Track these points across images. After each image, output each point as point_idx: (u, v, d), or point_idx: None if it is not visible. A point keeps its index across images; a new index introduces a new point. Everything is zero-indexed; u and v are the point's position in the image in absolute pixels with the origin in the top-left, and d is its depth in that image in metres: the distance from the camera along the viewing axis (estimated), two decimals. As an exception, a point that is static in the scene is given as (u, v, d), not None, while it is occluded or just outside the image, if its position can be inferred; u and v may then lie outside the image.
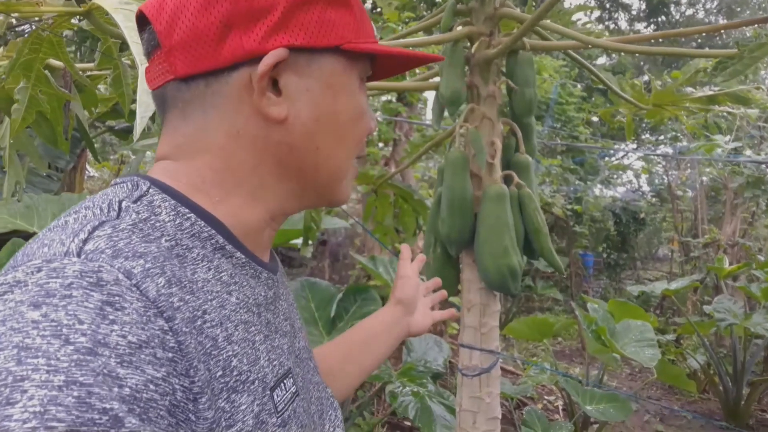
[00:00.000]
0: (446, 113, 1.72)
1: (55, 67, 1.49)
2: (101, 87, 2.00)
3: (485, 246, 1.54)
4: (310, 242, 2.69)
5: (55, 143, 1.73)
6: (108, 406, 0.37)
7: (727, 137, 3.71)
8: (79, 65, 1.60)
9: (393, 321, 1.00)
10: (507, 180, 1.64)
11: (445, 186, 1.60)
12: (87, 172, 9.17)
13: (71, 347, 0.38)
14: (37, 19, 1.15)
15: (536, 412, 2.76)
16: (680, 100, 2.15)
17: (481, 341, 1.65)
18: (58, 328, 0.39)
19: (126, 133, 3.72)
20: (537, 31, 1.72)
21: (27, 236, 2.75)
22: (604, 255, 10.02)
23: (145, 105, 0.71)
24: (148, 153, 2.43)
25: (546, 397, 4.51)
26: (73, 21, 1.11)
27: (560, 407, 4.29)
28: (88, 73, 1.60)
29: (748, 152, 4.04)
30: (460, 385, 1.68)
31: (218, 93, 0.56)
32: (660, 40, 1.58)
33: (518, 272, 1.54)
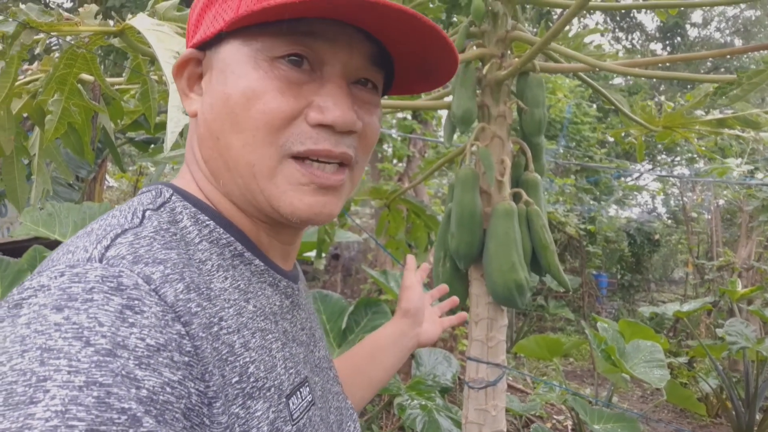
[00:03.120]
0: (458, 131, 1.78)
1: (86, 81, 1.57)
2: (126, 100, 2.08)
3: (493, 261, 1.58)
4: (323, 255, 2.74)
5: (81, 153, 1.80)
6: (126, 406, 0.38)
7: (739, 160, 3.71)
8: (108, 79, 1.68)
9: (400, 332, 1.00)
10: (516, 197, 1.68)
11: (455, 202, 1.65)
12: (106, 182, 9.34)
13: (91, 349, 0.39)
14: (69, 37, 1.22)
15: (544, 429, 2.77)
16: (690, 123, 2.18)
17: (488, 355, 1.69)
18: (80, 330, 0.40)
19: (146, 145, 3.81)
20: (548, 54, 1.77)
21: (48, 243, 2.82)
22: (618, 276, 9.96)
23: (175, 121, 0.76)
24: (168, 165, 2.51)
25: (555, 417, 4.49)
26: (106, 39, 1.18)
27: (569, 427, 4.27)
28: (116, 87, 1.68)
29: (759, 175, 4.04)
30: (466, 398, 1.71)
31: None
32: (668, 63, 1.62)
33: (525, 287, 1.57)
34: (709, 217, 8.61)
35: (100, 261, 0.45)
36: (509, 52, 1.72)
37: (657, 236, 9.99)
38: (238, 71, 0.55)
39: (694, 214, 8.84)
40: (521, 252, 1.59)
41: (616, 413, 2.88)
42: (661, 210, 12.19)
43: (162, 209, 0.54)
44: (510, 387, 5.09)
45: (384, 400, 3.26)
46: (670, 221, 11.29)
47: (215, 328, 0.48)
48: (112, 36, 1.12)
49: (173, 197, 0.56)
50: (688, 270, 9.62)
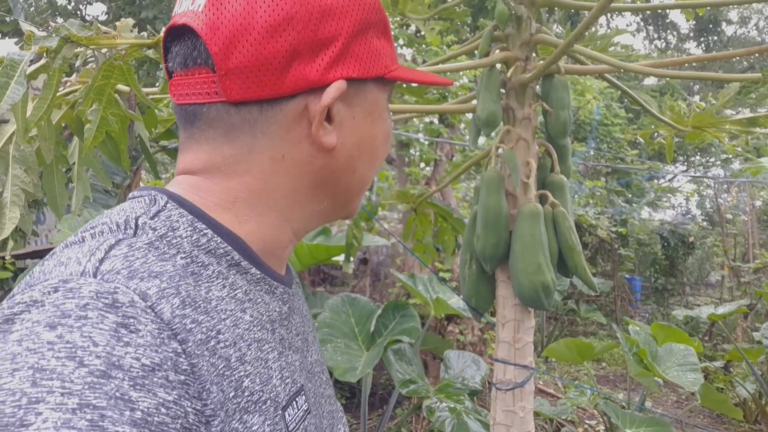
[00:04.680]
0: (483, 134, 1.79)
1: (122, 91, 1.63)
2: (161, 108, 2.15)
3: (519, 263, 1.59)
4: (351, 259, 2.76)
5: (118, 161, 1.87)
6: (120, 429, 0.37)
7: (773, 159, 3.63)
8: (144, 89, 1.74)
9: None
10: (542, 199, 1.69)
11: (481, 204, 1.66)
12: (140, 189, 9.56)
13: (85, 370, 0.38)
14: (105, 50, 1.27)
15: (574, 432, 2.75)
16: (720, 123, 2.15)
17: (515, 356, 1.69)
18: (73, 350, 0.39)
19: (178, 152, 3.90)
20: (573, 56, 1.78)
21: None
22: (652, 279, 9.77)
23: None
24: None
25: (587, 422, 4.44)
26: (141, 50, 1.23)
27: (601, 432, 4.22)
28: (151, 96, 1.74)
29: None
30: (494, 400, 1.72)
31: (271, 120, 0.56)
32: (695, 63, 1.62)
33: (551, 289, 1.58)
34: (746, 218, 8.41)
35: (95, 275, 0.44)
36: (534, 54, 1.73)
37: (692, 239, 9.78)
38: (382, 115, 0.62)
39: (730, 216, 8.65)
40: (547, 253, 1.59)
41: (648, 417, 2.84)
42: (696, 212, 11.95)
43: (157, 217, 0.52)
44: (540, 391, 5.04)
45: (413, 402, 3.27)
46: (705, 223, 11.06)
47: (212, 343, 0.47)
48: (147, 48, 1.17)
49: (168, 204, 0.54)
50: (724, 273, 9.40)
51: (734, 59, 15.10)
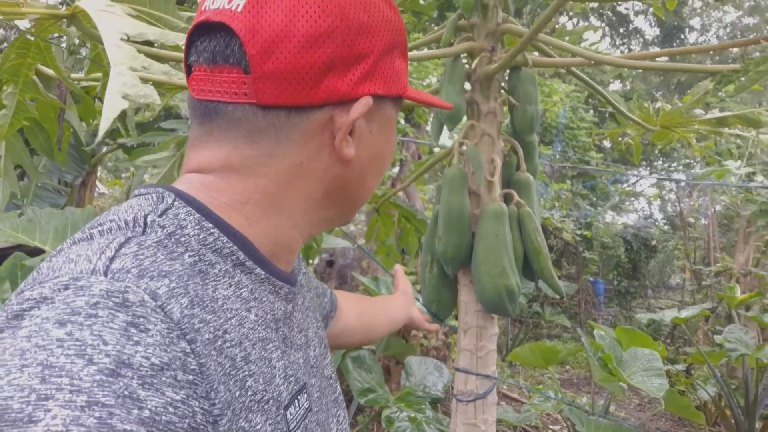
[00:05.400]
0: (446, 130, 1.69)
1: (51, 76, 1.48)
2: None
3: (482, 266, 1.49)
4: (311, 261, 2.64)
5: (50, 154, 1.70)
6: (128, 427, 0.38)
7: (739, 162, 3.64)
8: (74, 75, 1.59)
9: (402, 303, 1.25)
10: (507, 198, 1.59)
11: (443, 203, 1.56)
12: (97, 189, 9.22)
13: (94, 368, 0.39)
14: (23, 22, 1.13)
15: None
16: (689, 122, 2.10)
17: (478, 365, 1.59)
18: (83, 347, 0.39)
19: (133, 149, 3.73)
20: (541, 48, 1.69)
21: (29, 251, 2.73)
22: (615, 282, 9.87)
23: (112, 107, 0.67)
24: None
25: (551, 427, 4.39)
26: (60, 25, 1.09)
27: (566, 437, 4.17)
28: (83, 83, 1.59)
29: (760, 178, 3.96)
30: (454, 412, 1.62)
31: (296, 127, 0.57)
32: (666, 58, 1.54)
33: (516, 293, 1.48)
34: (706, 222, 8.55)
35: (105, 274, 0.44)
36: (500, 46, 1.64)
37: (654, 242, 9.92)
38: (392, 131, 0.66)
39: (692, 220, 8.78)
40: (512, 256, 1.50)
41: (613, 424, 2.79)
42: (658, 216, 12.13)
43: (165, 215, 0.53)
44: (505, 396, 4.98)
45: (375, 411, 3.16)
46: (666, 227, 11.22)
47: (219, 342, 0.48)
48: (63, 21, 1.03)
49: (176, 202, 0.54)
50: (686, 276, 9.54)
51: (697, 62, 15.40)
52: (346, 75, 0.56)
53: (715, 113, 2.09)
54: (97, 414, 0.37)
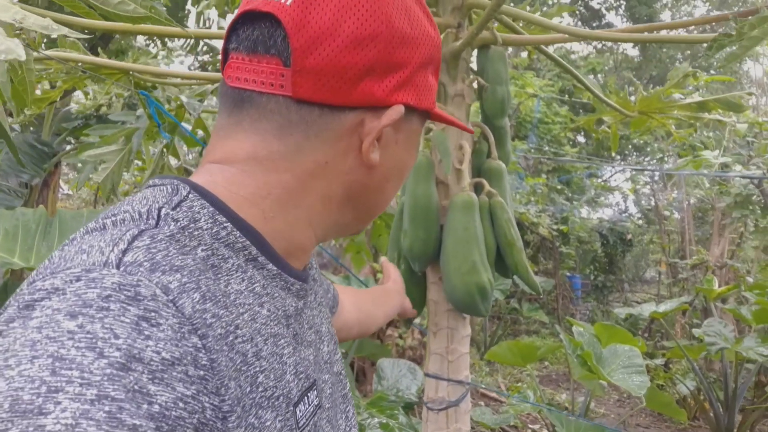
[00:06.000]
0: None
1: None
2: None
3: (452, 261, 1.37)
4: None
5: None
6: (137, 422, 0.38)
7: (716, 152, 3.57)
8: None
9: (395, 292, 1.25)
10: (477, 188, 1.47)
11: (408, 194, 1.43)
12: (61, 190, 8.90)
13: (105, 361, 0.38)
14: None
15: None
16: (668, 107, 2.00)
17: (449, 370, 1.46)
18: (93, 340, 0.39)
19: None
20: (511, 26, 1.57)
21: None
22: (592, 277, 9.87)
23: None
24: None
25: (530, 426, 4.30)
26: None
27: (545, 436, 4.08)
28: None
29: (738, 167, 3.91)
30: (425, 421, 1.49)
31: (327, 125, 0.57)
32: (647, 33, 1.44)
33: (488, 291, 1.36)
34: (680, 215, 8.56)
35: (117, 267, 0.44)
36: (467, 22, 1.51)
37: (629, 236, 9.93)
38: (416, 145, 0.66)
39: (667, 213, 8.80)
40: (484, 250, 1.37)
41: (594, 425, 2.69)
42: (633, 210, 12.18)
43: (179, 208, 0.52)
44: (483, 396, 4.88)
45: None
46: (641, 221, 11.25)
47: (231, 338, 0.48)
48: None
49: (191, 195, 0.54)
50: (661, 269, 9.55)
51: (668, 57, 15.58)
52: (383, 81, 0.57)
53: (695, 98, 1.99)
54: (106, 408, 0.37)
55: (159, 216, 0.51)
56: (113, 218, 0.50)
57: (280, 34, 0.54)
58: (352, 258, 2.98)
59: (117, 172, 2.15)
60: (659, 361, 5.54)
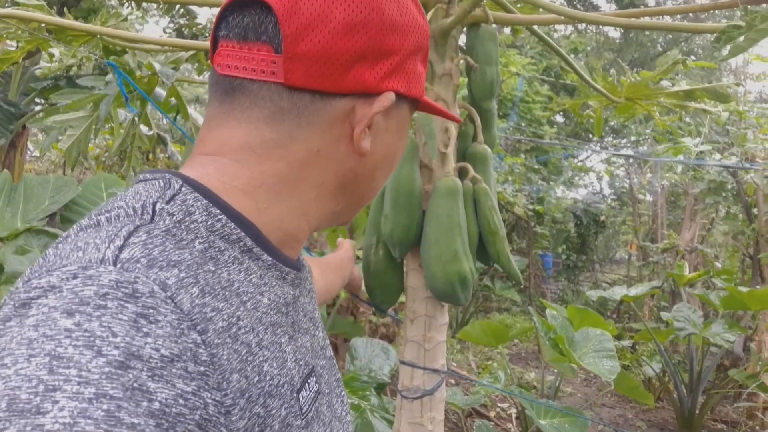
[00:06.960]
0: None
1: None
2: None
3: (433, 248, 1.32)
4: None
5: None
6: (136, 420, 0.37)
7: (697, 140, 3.58)
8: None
9: (346, 257, 1.31)
10: (461, 173, 1.42)
11: (391, 177, 1.37)
12: (29, 152, 8.61)
13: (103, 359, 0.38)
14: None
15: (487, 426, 2.57)
16: (655, 94, 1.97)
17: (425, 359, 1.43)
18: (91, 339, 0.39)
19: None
20: (502, 4, 1.50)
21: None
22: (564, 256, 9.98)
23: None
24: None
25: (499, 405, 4.34)
26: None
27: (513, 415, 4.13)
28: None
29: (717, 156, 3.93)
30: (398, 409, 1.45)
31: (319, 112, 0.57)
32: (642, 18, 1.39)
33: (469, 280, 1.32)
34: (652, 199, 8.66)
35: (114, 264, 0.43)
36: (457, -2, 1.44)
37: (603, 217, 10.04)
38: (406, 133, 0.67)
39: (642, 196, 8.89)
40: (466, 238, 1.33)
41: (563, 407, 2.71)
42: (608, 191, 12.30)
43: (172, 202, 0.52)
44: (453, 372, 4.91)
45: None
46: (615, 203, 11.37)
47: (234, 329, 0.47)
48: None
49: (183, 188, 0.53)
50: (631, 251, 9.70)
51: (650, 41, 15.61)
52: (373, 68, 0.57)
53: (683, 86, 1.96)
54: (105, 406, 0.37)
55: (154, 211, 0.51)
56: (107, 214, 0.50)
57: (271, 20, 0.54)
58: (327, 236, 2.93)
59: (84, 139, 2.05)
60: (627, 342, 5.64)
